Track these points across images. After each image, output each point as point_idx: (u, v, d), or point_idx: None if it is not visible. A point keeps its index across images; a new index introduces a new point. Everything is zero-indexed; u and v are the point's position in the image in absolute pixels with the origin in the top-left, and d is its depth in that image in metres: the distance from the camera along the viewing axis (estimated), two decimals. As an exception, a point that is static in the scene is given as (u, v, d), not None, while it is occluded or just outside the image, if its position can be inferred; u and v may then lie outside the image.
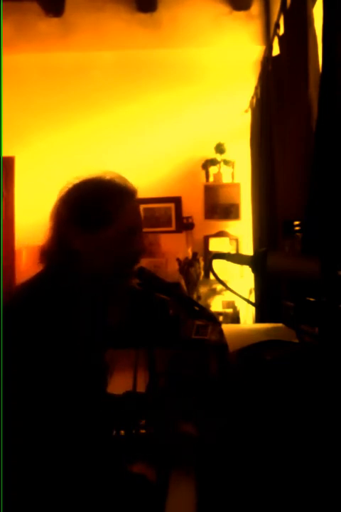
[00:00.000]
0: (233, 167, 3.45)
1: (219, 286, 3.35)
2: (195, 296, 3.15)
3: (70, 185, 1.18)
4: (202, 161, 3.44)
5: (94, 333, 1.20)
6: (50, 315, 1.04)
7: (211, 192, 3.49)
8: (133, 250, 1.19)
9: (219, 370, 1.66)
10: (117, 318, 1.22)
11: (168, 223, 3.53)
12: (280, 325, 1.45)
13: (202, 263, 3.27)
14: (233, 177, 3.46)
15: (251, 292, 3.24)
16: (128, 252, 1.17)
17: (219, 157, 3.42)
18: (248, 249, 3.35)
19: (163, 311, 2.51)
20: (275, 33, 2.24)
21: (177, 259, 3.20)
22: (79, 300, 1.14)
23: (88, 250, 1.14)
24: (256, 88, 3.07)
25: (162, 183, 3.45)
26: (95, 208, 1.13)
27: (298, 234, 1.57)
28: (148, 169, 3.40)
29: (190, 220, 3.49)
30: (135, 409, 1.29)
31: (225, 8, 3.38)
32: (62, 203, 1.17)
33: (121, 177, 1.20)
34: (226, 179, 3.47)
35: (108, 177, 1.18)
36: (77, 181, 1.18)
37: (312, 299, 1.20)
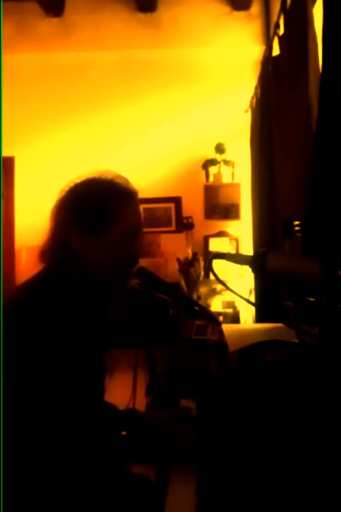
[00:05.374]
0: (233, 167, 3.44)
1: (219, 286, 3.35)
2: (195, 296, 3.14)
3: (71, 185, 1.17)
4: (202, 161, 3.44)
5: (93, 335, 1.20)
6: (49, 316, 1.04)
7: (211, 192, 3.49)
8: (133, 252, 1.18)
9: (219, 370, 1.66)
10: (117, 319, 1.22)
11: (168, 223, 3.53)
12: (280, 325, 1.45)
13: (202, 263, 3.27)
14: (233, 177, 3.46)
15: (251, 292, 3.24)
16: (128, 253, 1.17)
17: (219, 157, 3.42)
18: (248, 249, 3.35)
19: (163, 311, 2.51)
20: (275, 33, 2.24)
21: (177, 259, 3.20)
22: (78, 301, 1.14)
23: (89, 252, 1.13)
24: (256, 88, 3.07)
25: (162, 183, 3.44)
26: (97, 210, 1.12)
27: (298, 234, 1.57)
28: (148, 169, 3.40)
29: (190, 220, 3.48)
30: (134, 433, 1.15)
31: (225, 8, 3.38)
32: (62, 204, 1.15)
33: (122, 177, 1.19)
34: (226, 179, 3.47)
35: (109, 177, 1.17)
36: (77, 181, 1.17)
37: (312, 299, 1.19)
